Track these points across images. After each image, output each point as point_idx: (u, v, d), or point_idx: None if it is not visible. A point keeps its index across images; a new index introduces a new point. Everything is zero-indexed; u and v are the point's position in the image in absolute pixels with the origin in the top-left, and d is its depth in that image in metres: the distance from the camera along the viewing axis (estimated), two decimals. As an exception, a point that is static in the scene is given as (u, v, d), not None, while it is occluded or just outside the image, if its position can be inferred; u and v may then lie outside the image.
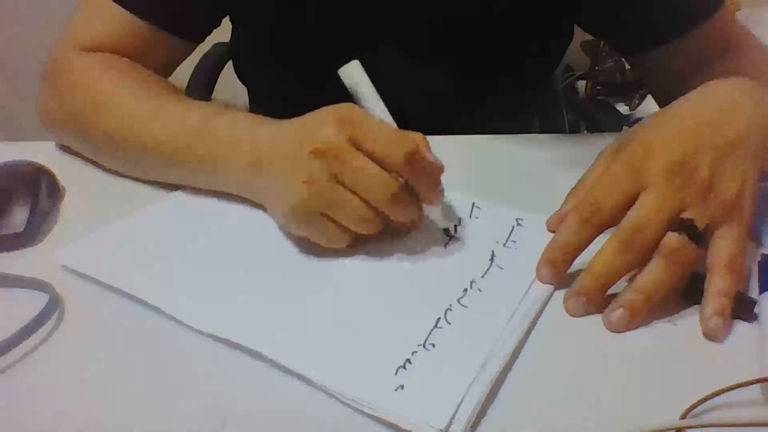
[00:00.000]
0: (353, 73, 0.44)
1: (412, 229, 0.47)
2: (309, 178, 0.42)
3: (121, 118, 0.53)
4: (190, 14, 0.62)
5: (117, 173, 0.56)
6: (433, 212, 0.47)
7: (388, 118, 0.45)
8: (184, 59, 0.67)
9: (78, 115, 0.56)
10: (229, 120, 0.50)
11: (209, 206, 0.51)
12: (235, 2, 0.65)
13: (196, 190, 0.53)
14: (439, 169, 0.44)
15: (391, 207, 0.43)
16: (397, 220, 0.44)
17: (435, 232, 0.48)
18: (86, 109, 0.55)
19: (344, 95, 0.46)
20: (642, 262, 0.41)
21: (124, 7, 0.58)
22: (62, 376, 0.37)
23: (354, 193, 0.42)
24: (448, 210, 0.50)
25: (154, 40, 0.60)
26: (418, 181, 0.44)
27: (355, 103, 0.45)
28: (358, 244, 0.45)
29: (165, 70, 0.64)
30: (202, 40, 0.66)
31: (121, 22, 0.59)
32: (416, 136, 0.44)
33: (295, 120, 0.46)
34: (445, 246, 0.47)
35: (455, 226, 0.48)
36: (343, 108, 0.43)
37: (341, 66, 0.45)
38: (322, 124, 0.42)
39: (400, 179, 0.43)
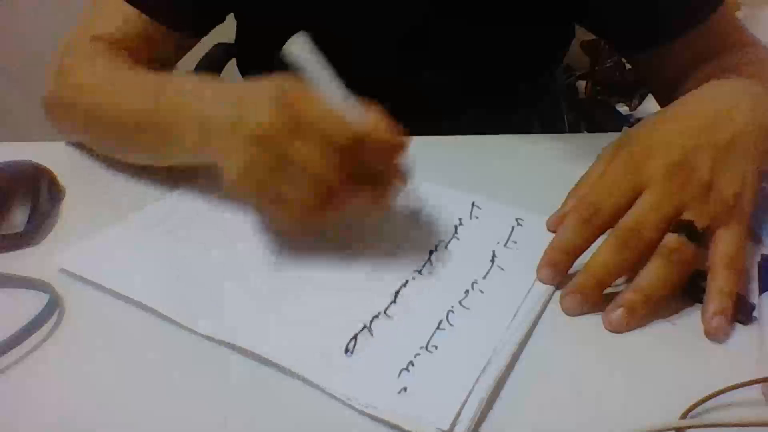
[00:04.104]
0: (298, 52, 0.37)
1: (383, 210, 0.45)
2: (247, 165, 0.40)
3: (91, 96, 0.55)
4: (191, 11, 0.65)
5: (117, 173, 0.56)
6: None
7: (339, 99, 0.39)
8: (187, 51, 0.70)
9: (62, 96, 0.59)
10: (176, 87, 0.50)
11: (206, 208, 0.51)
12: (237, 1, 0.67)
13: (194, 192, 0.52)
14: (397, 147, 0.41)
15: (331, 199, 0.40)
16: (353, 203, 0.41)
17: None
18: (69, 89, 0.58)
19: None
20: (639, 261, 0.41)
21: (130, 3, 0.61)
22: (62, 376, 0.37)
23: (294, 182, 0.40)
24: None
25: (156, 35, 0.63)
26: (373, 163, 0.41)
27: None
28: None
29: (168, 62, 0.67)
30: (205, 35, 0.69)
31: (127, 17, 0.62)
32: (371, 116, 0.41)
33: (237, 88, 0.44)
34: (446, 247, 0.45)
35: (455, 226, 0.46)
36: (286, 86, 0.39)
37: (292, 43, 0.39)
38: (261, 104, 0.39)
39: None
